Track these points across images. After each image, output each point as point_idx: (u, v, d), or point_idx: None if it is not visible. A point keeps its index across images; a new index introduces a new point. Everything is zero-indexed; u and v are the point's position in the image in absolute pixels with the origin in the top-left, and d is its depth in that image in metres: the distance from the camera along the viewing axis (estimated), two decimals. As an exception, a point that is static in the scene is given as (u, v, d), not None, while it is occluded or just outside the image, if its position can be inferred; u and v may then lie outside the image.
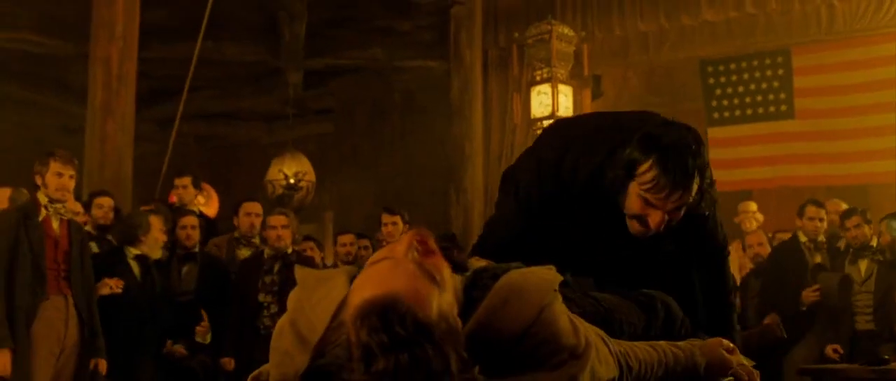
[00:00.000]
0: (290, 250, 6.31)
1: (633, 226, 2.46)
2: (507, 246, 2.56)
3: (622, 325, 2.21)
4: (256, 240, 6.89)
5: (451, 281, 1.66)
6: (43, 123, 11.01)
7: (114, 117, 7.19)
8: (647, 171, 2.35)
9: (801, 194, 9.31)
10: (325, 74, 11.35)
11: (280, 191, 10.07)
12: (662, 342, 2.17)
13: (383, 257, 1.61)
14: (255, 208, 6.94)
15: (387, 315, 1.45)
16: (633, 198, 2.41)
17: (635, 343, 2.09)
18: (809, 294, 6.81)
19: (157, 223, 6.06)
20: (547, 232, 2.62)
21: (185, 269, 6.33)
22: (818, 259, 7.21)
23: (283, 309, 5.15)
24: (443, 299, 1.57)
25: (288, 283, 5.71)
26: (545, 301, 1.73)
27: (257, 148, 12.91)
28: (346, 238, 7.33)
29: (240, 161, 12.99)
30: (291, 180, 10.07)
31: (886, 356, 5.73)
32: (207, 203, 9.36)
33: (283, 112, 11.76)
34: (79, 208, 6.04)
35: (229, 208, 9.43)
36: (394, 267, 1.57)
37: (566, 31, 9.43)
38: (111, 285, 5.58)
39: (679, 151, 2.35)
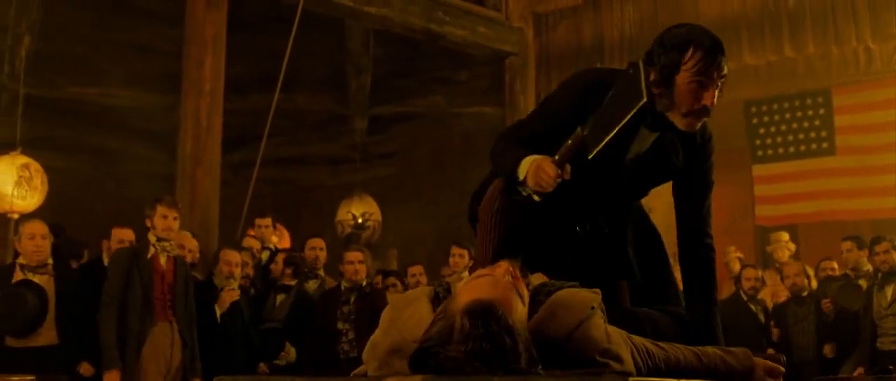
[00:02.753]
0: (365, 283, 6.93)
1: (688, 123, 2.68)
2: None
3: (658, 333, 2.66)
4: (321, 271, 7.66)
5: (527, 299, 2.24)
6: (128, 168, 11.78)
7: (202, 165, 7.89)
8: (690, 56, 2.59)
9: (844, 228, 9.70)
10: (389, 121, 12.01)
11: (348, 230, 10.66)
12: (710, 348, 2.59)
13: (486, 273, 2.24)
14: (319, 242, 7.75)
15: (487, 314, 2.05)
16: (684, 91, 2.62)
17: (677, 345, 2.53)
18: (827, 304, 7.40)
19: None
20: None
21: (279, 298, 7.00)
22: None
23: (358, 336, 5.83)
24: (522, 311, 2.17)
25: (363, 312, 6.38)
26: (584, 316, 2.26)
27: (323, 190, 13.53)
28: (416, 269, 7.96)
29: (307, 202, 13.62)
30: (359, 220, 10.65)
31: (891, 367, 6.21)
32: (280, 241, 10.08)
33: (347, 156, 12.43)
34: (194, 244, 6.75)
35: (298, 245, 10.12)
36: (495, 282, 2.18)
37: (614, 78, 9.98)
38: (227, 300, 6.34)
39: (705, 33, 2.65)
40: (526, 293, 2.23)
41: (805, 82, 10.49)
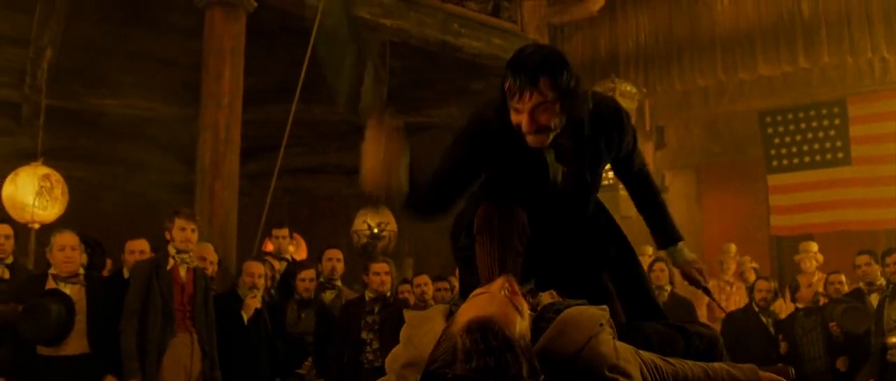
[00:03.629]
0: (389, 294, 7.00)
1: (529, 141, 2.75)
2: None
3: (664, 347, 2.73)
4: (338, 282, 7.71)
5: (527, 313, 2.30)
6: (147, 179, 11.90)
7: (220, 177, 7.96)
8: (507, 84, 2.69)
9: (860, 238, 9.72)
10: (405, 131, 12.10)
11: (365, 240, 10.73)
12: (717, 364, 2.63)
13: (483, 291, 2.29)
14: (336, 253, 7.78)
15: (485, 330, 2.09)
16: (512, 115, 2.73)
17: (685, 360, 2.57)
18: (834, 328, 7.42)
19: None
20: None
21: (303, 315, 7.06)
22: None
23: (383, 345, 5.90)
24: (522, 324, 2.21)
25: (387, 322, 6.45)
26: (593, 332, 2.31)
27: (339, 199, 13.63)
28: (422, 279, 7.90)
29: (322, 211, 13.72)
30: (375, 230, 10.74)
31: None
32: (297, 251, 10.17)
33: (364, 166, 12.52)
34: (216, 256, 6.82)
35: (314, 254, 10.16)
36: (491, 299, 2.23)
37: (628, 88, 10.05)
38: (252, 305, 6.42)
39: (520, 58, 2.69)
40: (524, 306, 2.27)
41: (820, 92, 10.54)
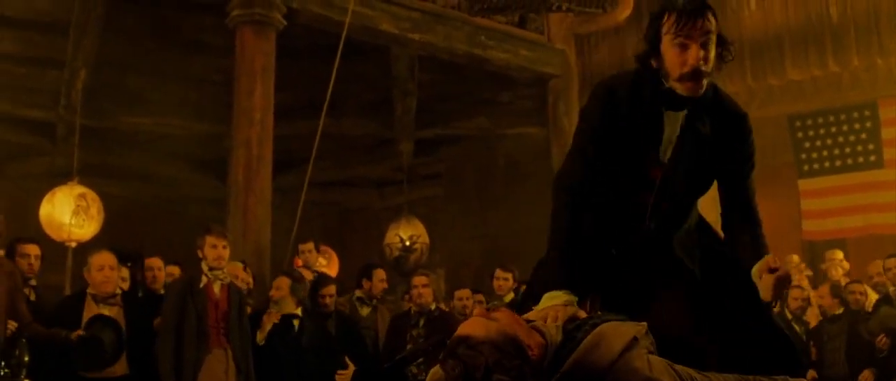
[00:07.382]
0: (433, 307, 7.07)
1: (686, 87, 2.68)
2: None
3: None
4: (374, 301, 7.80)
5: (509, 318, 2.38)
6: (181, 195, 12.06)
7: (253, 193, 8.04)
8: (667, 19, 2.68)
9: (895, 242, 9.62)
10: (435, 143, 12.18)
11: (397, 253, 10.83)
12: (751, 376, 2.62)
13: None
14: (382, 274, 7.97)
15: (456, 348, 2.29)
16: (671, 52, 2.68)
17: (719, 374, 2.56)
18: (882, 340, 7.35)
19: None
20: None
21: (329, 324, 7.12)
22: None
23: (427, 359, 5.84)
24: (491, 326, 2.31)
25: (433, 335, 6.48)
26: (626, 346, 2.37)
27: (370, 212, 13.73)
28: (463, 293, 7.87)
29: (353, 224, 13.81)
30: (407, 243, 10.82)
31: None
32: (328, 264, 10.24)
33: (393, 178, 12.61)
34: (243, 274, 6.88)
35: (345, 267, 10.23)
36: (466, 323, 2.39)
37: (657, 96, 10.01)
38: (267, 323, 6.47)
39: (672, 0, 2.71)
40: (502, 314, 2.38)
41: (850, 96, 10.44)
